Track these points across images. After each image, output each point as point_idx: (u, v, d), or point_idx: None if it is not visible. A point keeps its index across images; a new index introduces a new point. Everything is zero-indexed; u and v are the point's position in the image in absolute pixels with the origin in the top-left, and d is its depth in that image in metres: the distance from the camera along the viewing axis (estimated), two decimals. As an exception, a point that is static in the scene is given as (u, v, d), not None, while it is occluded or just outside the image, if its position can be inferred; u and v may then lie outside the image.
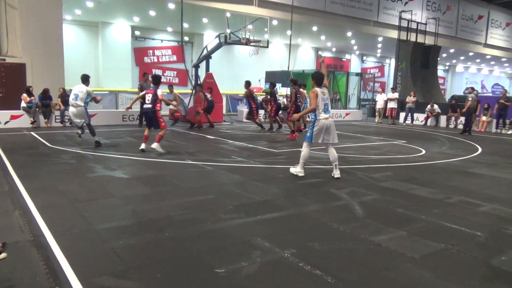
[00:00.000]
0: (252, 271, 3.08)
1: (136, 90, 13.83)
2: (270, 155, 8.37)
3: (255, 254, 3.37)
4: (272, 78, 25.08)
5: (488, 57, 32.07)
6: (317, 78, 6.29)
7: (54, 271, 2.97)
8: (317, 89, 6.21)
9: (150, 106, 8.02)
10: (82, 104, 8.52)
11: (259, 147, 9.29)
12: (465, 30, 27.38)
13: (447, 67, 42.47)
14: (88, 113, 8.87)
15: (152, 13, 20.24)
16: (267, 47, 17.68)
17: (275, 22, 20.18)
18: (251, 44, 15.16)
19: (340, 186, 5.85)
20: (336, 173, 6.36)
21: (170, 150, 8.44)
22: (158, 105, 8.00)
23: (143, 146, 8.16)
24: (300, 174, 6.40)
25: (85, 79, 8.71)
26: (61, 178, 5.79)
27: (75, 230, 3.80)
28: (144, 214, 4.33)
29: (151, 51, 25.67)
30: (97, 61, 23.70)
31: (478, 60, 35.26)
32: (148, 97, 8.06)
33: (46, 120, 12.38)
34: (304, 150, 6.37)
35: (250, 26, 15.05)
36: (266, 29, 16.50)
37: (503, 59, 34.01)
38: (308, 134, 6.36)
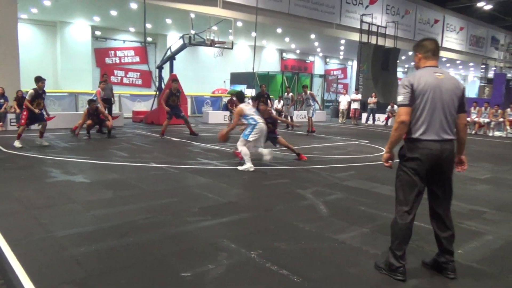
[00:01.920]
0: (218, 274, 3.06)
1: (94, 92, 13.44)
2: (236, 156, 8.35)
3: (221, 256, 3.36)
4: (237, 79, 25.12)
5: (444, 59, 33.50)
6: (240, 97, 7.59)
7: (10, 282, 2.83)
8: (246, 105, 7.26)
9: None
10: None
11: (225, 149, 9.26)
12: (423, 34, 28.49)
13: (406, 69, 44.00)
14: None
15: (114, 13, 19.73)
16: (232, 48, 17.70)
17: (239, 24, 20.19)
18: (216, 45, 15.11)
19: (305, 186, 5.93)
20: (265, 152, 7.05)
21: (133, 153, 8.26)
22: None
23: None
24: (251, 169, 6.79)
25: None
26: (16, 185, 5.52)
27: (32, 238, 3.63)
28: (106, 219, 4.21)
29: (112, 52, 25.01)
30: (55, 62, 22.83)
31: (435, 62, 36.77)
32: None
33: (0, 123, 11.80)
34: (242, 148, 6.95)
35: (214, 27, 15.00)
36: (230, 31, 16.49)
37: (458, 62, 35.65)
38: (246, 132, 6.95)
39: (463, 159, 3.24)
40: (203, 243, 3.64)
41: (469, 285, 3.07)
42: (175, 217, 4.34)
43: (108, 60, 24.86)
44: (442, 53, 31.40)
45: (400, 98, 3.00)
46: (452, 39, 31.60)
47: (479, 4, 27.11)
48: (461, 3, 28.61)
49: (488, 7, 27.55)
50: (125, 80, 25.33)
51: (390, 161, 3.24)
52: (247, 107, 7.15)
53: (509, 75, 22.08)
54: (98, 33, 23.93)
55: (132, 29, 24.62)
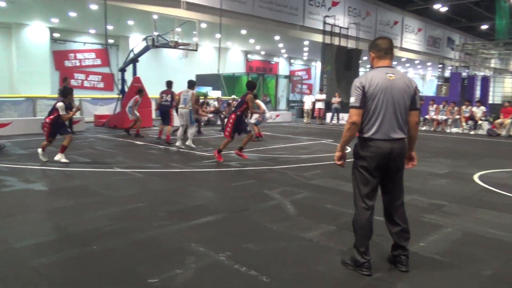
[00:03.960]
0: (187, 278, 3.03)
1: (56, 96, 12.96)
2: (202, 159, 8.29)
3: (189, 260, 3.32)
4: (203, 81, 24.92)
5: (403, 59, 34.65)
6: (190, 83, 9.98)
7: (-37, 298, 2.68)
8: (184, 91, 9.70)
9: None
10: None
11: (191, 152, 9.17)
12: (383, 35, 28.95)
13: (368, 69, 45.18)
14: None
15: (73, 14, 19.10)
16: (196, 50, 17.50)
17: (204, 25, 20.06)
18: (180, 47, 14.93)
19: (272, 186, 5.96)
20: (188, 142, 9.55)
21: (95, 158, 8.02)
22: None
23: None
24: (178, 143, 9.56)
25: None
26: (-30, 195, 5.24)
27: (-12, 251, 3.45)
28: (68, 228, 4.06)
29: (72, 55, 24.20)
30: (11, 65, 21.82)
31: (395, 63, 37.94)
32: None
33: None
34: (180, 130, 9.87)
35: (178, 29, 14.82)
36: (195, 32, 16.34)
37: (416, 62, 36.96)
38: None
39: (413, 155, 3.35)
40: (170, 248, 3.59)
41: (432, 277, 3.19)
42: (141, 222, 4.25)
43: (67, 63, 24.03)
44: (402, 54, 32.49)
45: (352, 100, 3.13)
46: (411, 40, 32.73)
47: (436, 6, 28.24)
48: (419, 5, 29.69)
49: (444, 9, 28.77)
50: (86, 84, 24.57)
51: (342, 160, 3.32)
52: (184, 94, 9.56)
53: (464, 74, 23.07)
54: (56, 35, 23.10)
55: (92, 31, 23.94)
